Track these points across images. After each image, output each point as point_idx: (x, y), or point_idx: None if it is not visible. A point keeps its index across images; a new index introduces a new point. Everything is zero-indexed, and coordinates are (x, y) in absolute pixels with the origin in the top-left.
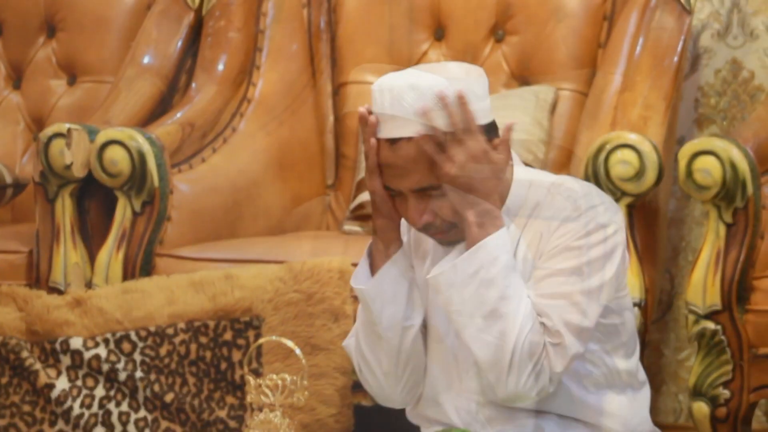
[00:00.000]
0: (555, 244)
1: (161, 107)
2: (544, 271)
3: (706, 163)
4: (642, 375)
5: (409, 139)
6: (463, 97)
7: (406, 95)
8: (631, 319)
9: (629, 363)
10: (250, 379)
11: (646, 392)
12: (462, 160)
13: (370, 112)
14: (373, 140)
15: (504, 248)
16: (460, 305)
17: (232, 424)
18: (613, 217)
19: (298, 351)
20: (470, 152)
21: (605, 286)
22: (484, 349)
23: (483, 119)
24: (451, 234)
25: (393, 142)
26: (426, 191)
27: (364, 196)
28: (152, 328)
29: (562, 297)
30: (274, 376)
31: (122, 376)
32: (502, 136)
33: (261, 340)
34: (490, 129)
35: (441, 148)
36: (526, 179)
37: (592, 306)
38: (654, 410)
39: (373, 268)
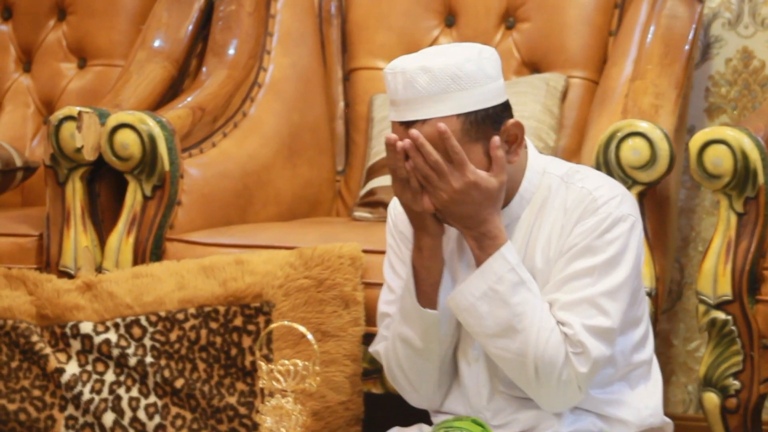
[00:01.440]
0: (573, 242)
1: (172, 91)
2: (563, 274)
3: (718, 152)
4: (655, 365)
5: (424, 121)
6: (445, 132)
7: (419, 78)
8: (647, 309)
9: (644, 354)
10: (262, 365)
11: (658, 383)
12: (443, 200)
13: (403, 126)
14: (409, 163)
15: (507, 266)
16: (476, 327)
17: (242, 410)
18: (628, 208)
19: (310, 336)
20: (453, 190)
21: (626, 282)
22: (508, 366)
23: (496, 99)
24: None
25: (408, 124)
26: None
27: (375, 183)
28: (162, 313)
29: (583, 301)
30: (286, 362)
31: (132, 361)
32: (493, 155)
33: (273, 325)
34: (504, 109)
35: (425, 185)
36: (540, 167)
37: (614, 305)
38: (664, 401)
39: (419, 286)
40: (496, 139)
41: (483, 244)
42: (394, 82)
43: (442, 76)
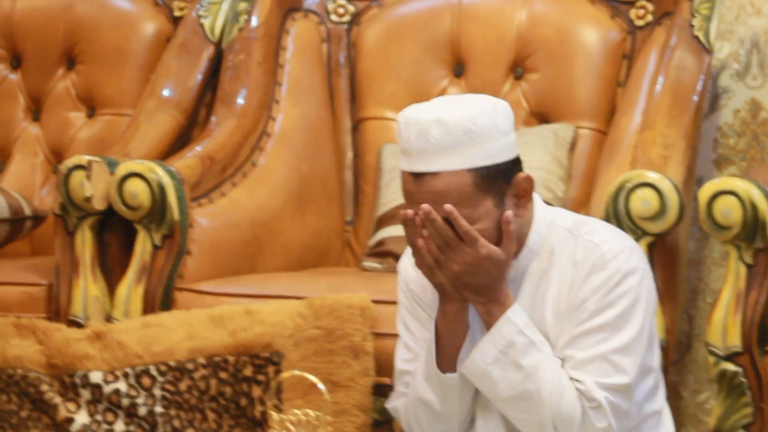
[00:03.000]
0: (583, 298)
1: (181, 140)
2: (576, 331)
3: (727, 203)
4: (667, 414)
5: (435, 174)
6: (452, 213)
7: (432, 130)
8: (659, 359)
9: (655, 404)
10: (273, 414)
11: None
12: (455, 272)
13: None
14: (421, 240)
15: (515, 329)
16: (491, 392)
17: None
18: (637, 261)
19: (321, 386)
20: (465, 264)
21: (638, 336)
22: (526, 427)
23: (508, 154)
24: None
25: (418, 176)
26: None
27: (384, 233)
28: (172, 363)
29: (596, 359)
30: (297, 411)
31: (142, 410)
32: (505, 230)
33: (284, 375)
34: (515, 163)
35: (436, 261)
36: (547, 219)
37: (628, 360)
38: None
39: (443, 350)
40: (509, 215)
41: (491, 309)
42: (406, 132)
43: (456, 129)
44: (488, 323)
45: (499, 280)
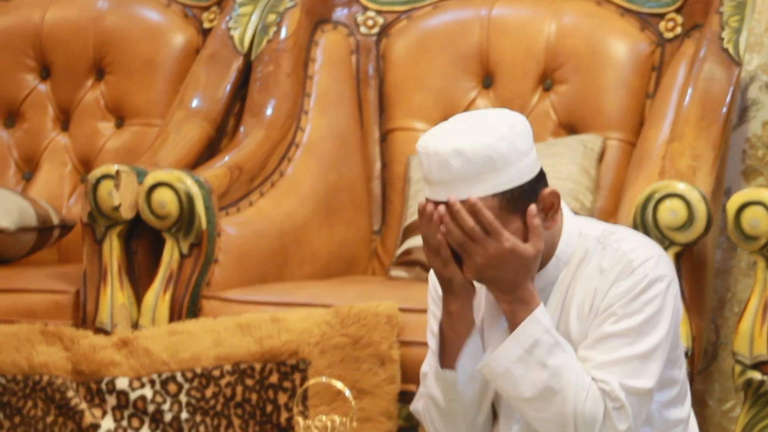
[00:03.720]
0: (609, 303)
1: (209, 150)
2: (599, 334)
3: (755, 213)
4: (693, 424)
5: (460, 202)
6: (475, 205)
7: (452, 161)
8: (684, 368)
9: (682, 412)
10: (300, 420)
11: None
12: (479, 264)
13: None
14: (441, 234)
15: (542, 328)
16: (512, 391)
17: None
18: (664, 269)
19: (348, 393)
20: (489, 256)
21: (662, 343)
22: (546, 427)
23: (531, 173)
24: None
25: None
26: None
27: (411, 242)
28: (198, 370)
29: (620, 362)
30: (324, 418)
31: (168, 417)
32: (530, 224)
33: (311, 381)
34: (539, 180)
35: (460, 251)
36: (576, 229)
37: (651, 366)
38: None
39: (448, 349)
40: (532, 208)
41: (517, 308)
42: (427, 162)
43: (476, 158)
44: (513, 322)
45: (525, 278)
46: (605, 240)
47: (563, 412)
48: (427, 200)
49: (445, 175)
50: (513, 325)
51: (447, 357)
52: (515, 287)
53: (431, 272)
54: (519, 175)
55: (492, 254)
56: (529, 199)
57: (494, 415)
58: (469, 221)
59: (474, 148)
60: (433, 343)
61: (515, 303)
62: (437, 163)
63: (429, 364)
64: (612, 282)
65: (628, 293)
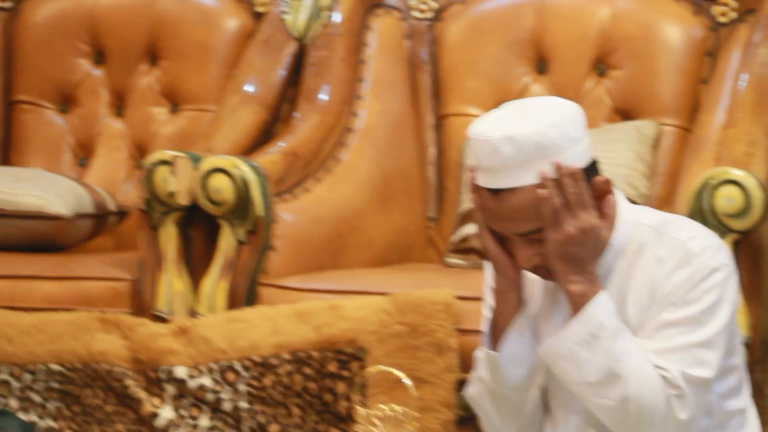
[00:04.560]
0: (667, 292)
1: (264, 136)
2: (659, 322)
3: None
4: (753, 414)
5: (511, 189)
6: (577, 173)
7: (503, 147)
8: (742, 357)
9: (740, 402)
10: (360, 409)
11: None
12: (569, 235)
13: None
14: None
15: (607, 311)
16: (575, 375)
17: None
18: (723, 258)
19: (407, 381)
20: (580, 228)
21: (722, 332)
22: (607, 414)
23: (583, 161)
24: None
25: (496, 192)
26: (532, 234)
27: (467, 229)
28: (257, 358)
29: (679, 350)
30: (384, 407)
31: (227, 406)
32: (606, 212)
33: (370, 369)
34: (591, 168)
35: (552, 217)
36: (632, 218)
37: (710, 355)
38: None
39: (497, 331)
40: (611, 198)
41: (586, 290)
42: (478, 148)
43: (527, 144)
44: (579, 304)
45: (596, 259)
46: (662, 229)
47: (626, 397)
48: (480, 188)
49: (496, 161)
50: (577, 307)
51: (494, 339)
52: (586, 269)
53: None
54: (570, 162)
55: (582, 227)
56: None
57: (546, 409)
58: (575, 186)
59: (525, 134)
60: (485, 324)
61: (585, 284)
62: (488, 149)
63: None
64: (670, 271)
65: (687, 282)
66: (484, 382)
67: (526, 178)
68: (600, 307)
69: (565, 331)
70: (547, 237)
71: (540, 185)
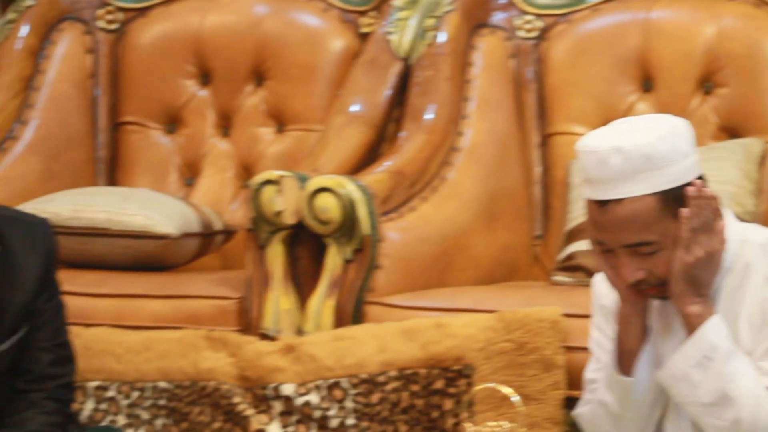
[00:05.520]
0: None
1: (370, 155)
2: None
3: None
4: None
5: (618, 201)
6: (714, 197)
7: (611, 158)
8: None
9: None
10: (468, 426)
11: None
12: (699, 258)
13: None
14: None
15: (721, 333)
16: (689, 396)
17: None
18: None
19: (516, 398)
20: (708, 252)
21: None
22: None
23: (690, 175)
24: (662, 290)
25: (603, 203)
26: (637, 248)
27: (574, 247)
28: (364, 376)
29: None
30: (492, 423)
31: (334, 423)
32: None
33: (478, 387)
34: None
35: (687, 238)
36: (740, 236)
37: None
38: None
39: (623, 355)
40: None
41: (702, 312)
42: (587, 161)
43: (635, 156)
44: (694, 325)
45: (712, 282)
46: None
47: (738, 420)
48: (588, 200)
49: (605, 173)
50: (692, 328)
51: (620, 361)
52: (705, 291)
53: (594, 279)
54: (678, 176)
55: (710, 250)
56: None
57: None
58: (712, 205)
59: (633, 145)
60: (595, 348)
61: (702, 305)
62: (597, 161)
63: (595, 370)
64: None
65: None
66: (607, 406)
67: (633, 189)
68: (713, 329)
69: (679, 353)
70: (676, 258)
71: (683, 204)
